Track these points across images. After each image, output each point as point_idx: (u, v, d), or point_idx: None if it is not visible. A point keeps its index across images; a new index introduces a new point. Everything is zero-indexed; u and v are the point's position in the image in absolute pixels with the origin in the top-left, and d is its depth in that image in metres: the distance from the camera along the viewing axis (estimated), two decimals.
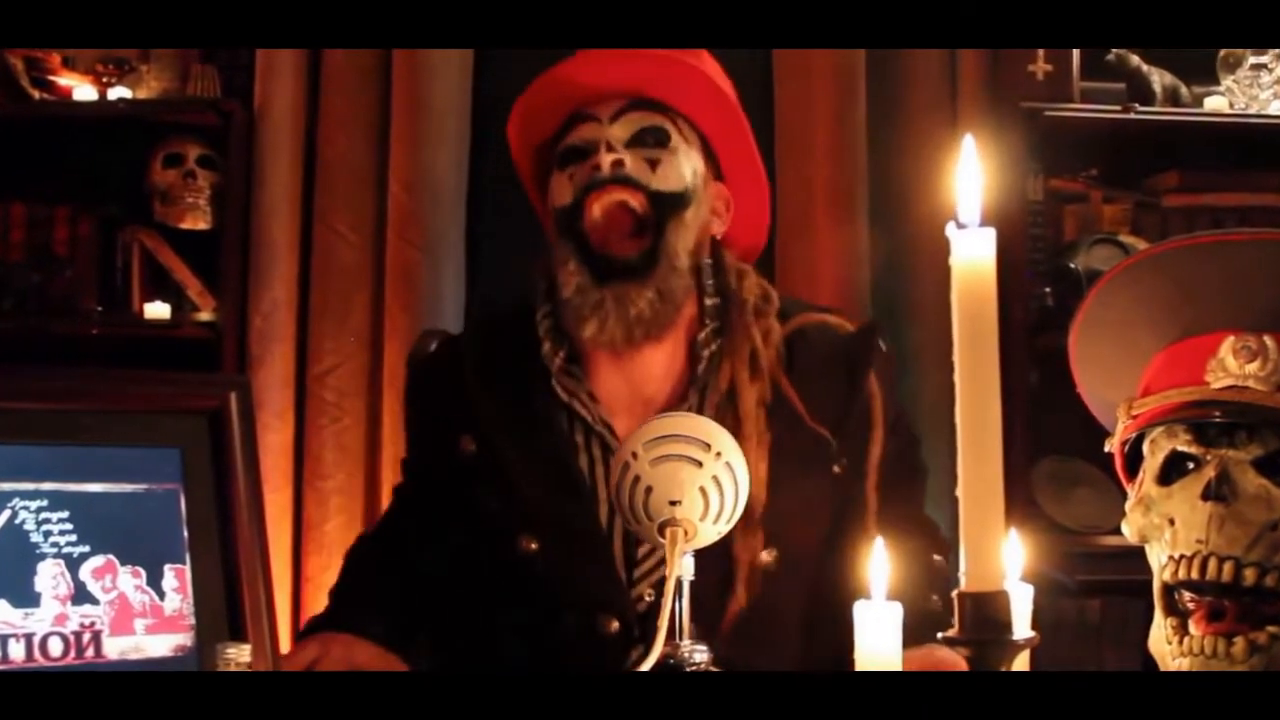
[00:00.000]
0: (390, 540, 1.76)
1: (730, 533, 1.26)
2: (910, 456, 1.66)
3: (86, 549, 1.58)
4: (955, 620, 0.78)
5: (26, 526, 1.55)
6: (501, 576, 1.59)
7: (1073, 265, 2.63)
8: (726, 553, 1.49)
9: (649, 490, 1.20)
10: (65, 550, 1.57)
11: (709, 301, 1.60)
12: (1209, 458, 1.18)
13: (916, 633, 1.11)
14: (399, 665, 1.59)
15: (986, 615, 0.77)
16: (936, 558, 1.59)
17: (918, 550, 1.52)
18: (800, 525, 1.56)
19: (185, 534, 1.65)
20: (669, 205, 1.55)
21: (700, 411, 1.55)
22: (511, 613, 1.58)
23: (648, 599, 1.52)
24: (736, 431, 1.43)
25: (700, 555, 1.22)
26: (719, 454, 1.21)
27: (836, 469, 1.57)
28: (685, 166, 1.58)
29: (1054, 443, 2.66)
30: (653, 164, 1.57)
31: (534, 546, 1.55)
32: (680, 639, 1.18)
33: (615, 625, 1.51)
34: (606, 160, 1.55)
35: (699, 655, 1.16)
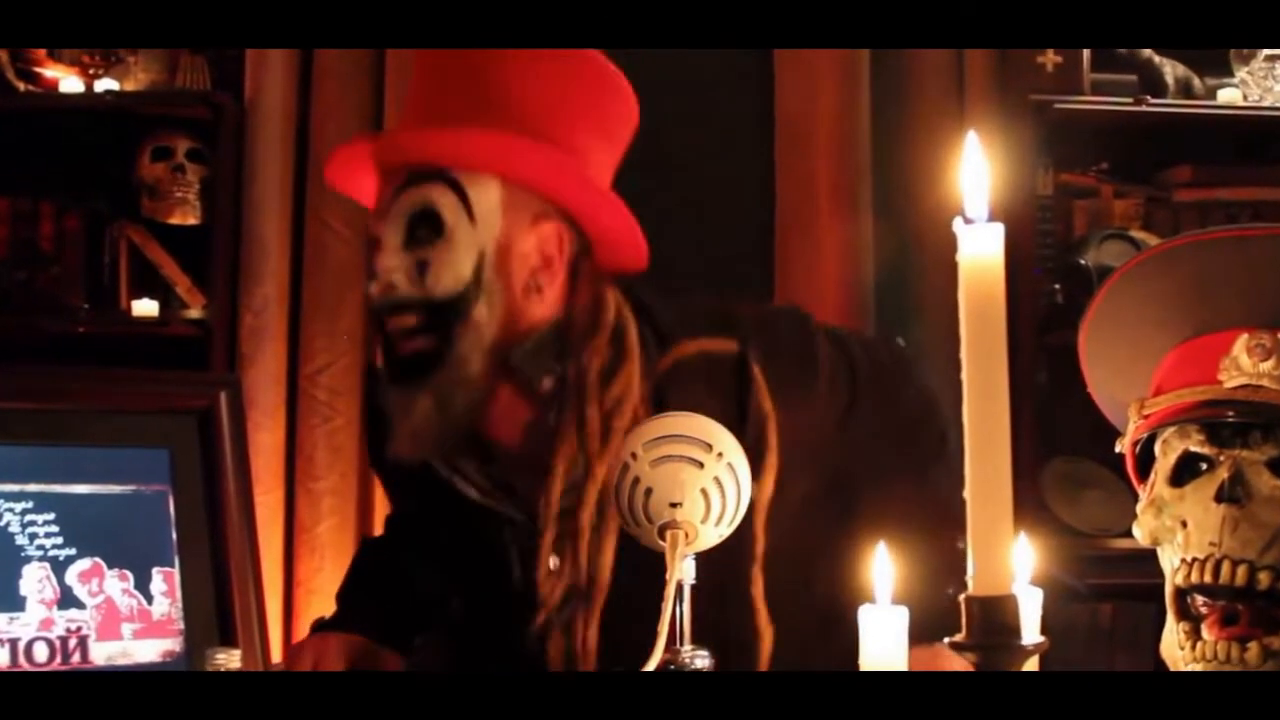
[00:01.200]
0: (391, 539, 1.79)
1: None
2: (913, 443, 1.61)
3: (73, 552, 1.58)
4: (963, 624, 0.78)
5: (11, 529, 1.55)
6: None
7: (1083, 261, 2.63)
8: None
9: (649, 492, 1.20)
10: (51, 553, 1.57)
11: (544, 385, 1.48)
12: (1222, 458, 1.18)
13: (925, 629, 1.09)
14: (397, 664, 1.60)
15: (995, 620, 0.77)
16: (960, 545, 1.56)
17: (930, 536, 1.48)
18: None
19: (174, 536, 1.65)
20: (448, 311, 1.43)
21: (552, 494, 1.46)
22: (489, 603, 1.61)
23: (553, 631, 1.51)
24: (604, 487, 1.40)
25: None
26: (720, 454, 1.21)
27: None
28: (463, 254, 1.44)
29: (1064, 443, 2.67)
30: (421, 267, 1.44)
31: (458, 607, 1.60)
32: (680, 644, 1.18)
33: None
34: (373, 289, 1.46)
35: (700, 661, 1.16)
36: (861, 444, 1.58)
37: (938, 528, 1.52)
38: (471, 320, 1.43)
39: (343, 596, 1.73)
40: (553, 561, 1.48)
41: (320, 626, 1.66)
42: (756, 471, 1.37)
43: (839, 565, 1.36)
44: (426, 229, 1.44)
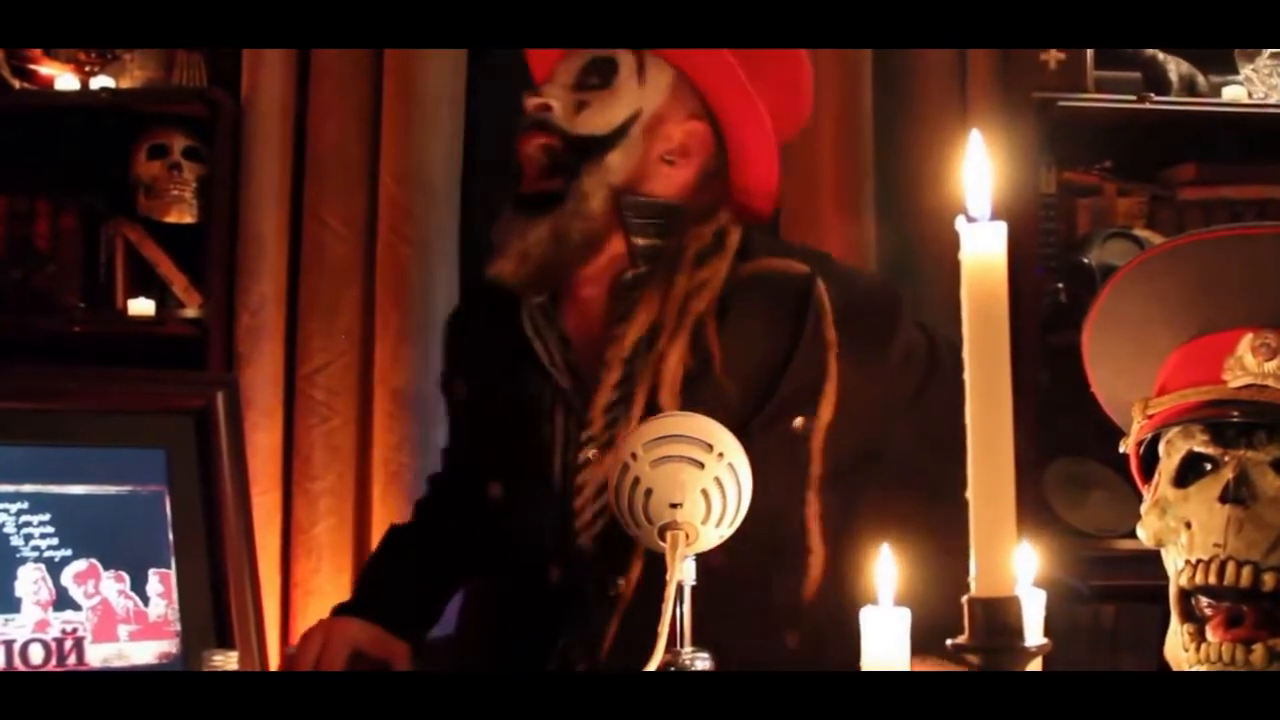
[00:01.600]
0: (414, 527, 1.85)
1: None
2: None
3: (68, 553, 1.58)
4: (966, 626, 0.78)
5: (6, 530, 1.55)
6: (475, 529, 1.68)
7: (1086, 260, 2.63)
8: None
9: (649, 493, 1.20)
10: (46, 554, 1.57)
11: (640, 242, 1.60)
12: (1227, 459, 1.18)
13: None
14: (402, 650, 1.62)
15: (997, 622, 0.77)
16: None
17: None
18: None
19: (170, 537, 1.65)
20: (587, 148, 1.58)
21: (619, 353, 1.57)
22: (479, 566, 1.69)
23: (588, 546, 1.57)
24: (655, 385, 1.52)
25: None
26: (721, 454, 1.21)
27: (796, 423, 1.55)
28: (620, 107, 1.59)
29: (1067, 444, 2.66)
30: (580, 105, 1.60)
31: (498, 493, 1.63)
32: (681, 645, 1.18)
33: (557, 574, 1.57)
34: (530, 103, 1.61)
35: (700, 663, 1.16)
36: (911, 440, 1.60)
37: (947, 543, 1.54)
38: (604, 163, 1.58)
39: (362, 581, 1.81)
40: (591, 453, 1.56)
41: (339, 611, 1.70)
42: (814, 395, 1.52)
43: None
44: (598, 77, 1.60)
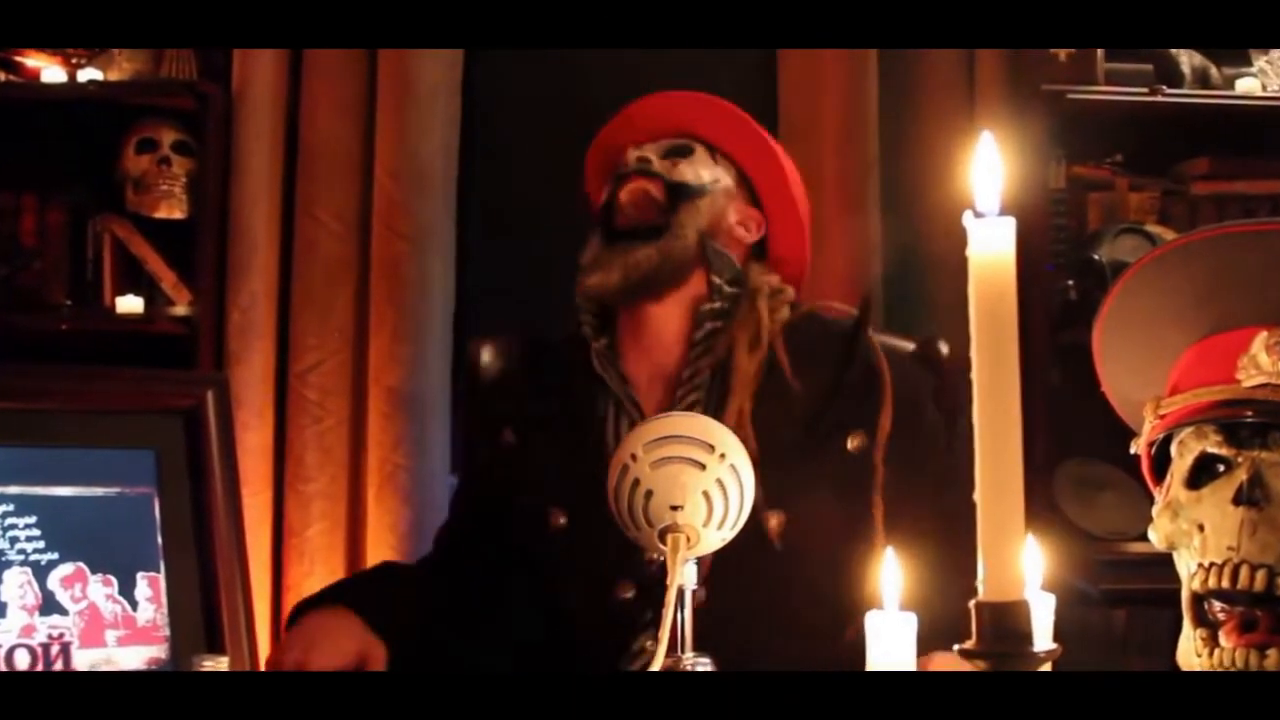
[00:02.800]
0: (434, 560, 1.96)
1: None
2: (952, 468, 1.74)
3: (55, 556, 1.58)
4: (973, 631, 0.78)
5: None
6: (528, 558, 1.79)
7: (1097, 257, 2.63)
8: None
9: (649, 494, 1.20)
10: (33, 558, 1.57)
11: (718, 280, 1.84)
12: (1240, 460, 1.18)
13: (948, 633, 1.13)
14: (379, 649, 1.61)
15: (1006, 626, 0.77)
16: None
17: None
18: (807, 493, 1.70)
19: (159, 540, 1.65)
20: (683, 192, 1.85)
21: (696, 375, 1.79)
22: (532, 589, 1.79)
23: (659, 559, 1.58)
24: (727, 392, 1.72)
25: None
26: (722, 456, 1.21)
27: (851, 444, 1.73)
28: (704, 171, 1.89)
29: (1077, 444, 2.66)
30: (674, 163, 1.88)
31: (563, 521, 1.74)
32: (682, 651, 1.18)
33: (631, 592, 1.67)
34: (633, 155, 1.89)
35: (701, 667, 1.16)
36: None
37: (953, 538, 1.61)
38: (696, 206, 1.85)
39: (349, 579, 1.82)
40: None
41: (307, 606, 1.71)
42: (871, 410, 1.74)
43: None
44: (680, 153, 1.90)
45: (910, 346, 1.89)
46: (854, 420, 1.75)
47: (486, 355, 2.02)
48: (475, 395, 2.03)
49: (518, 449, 1.86)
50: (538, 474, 1.81)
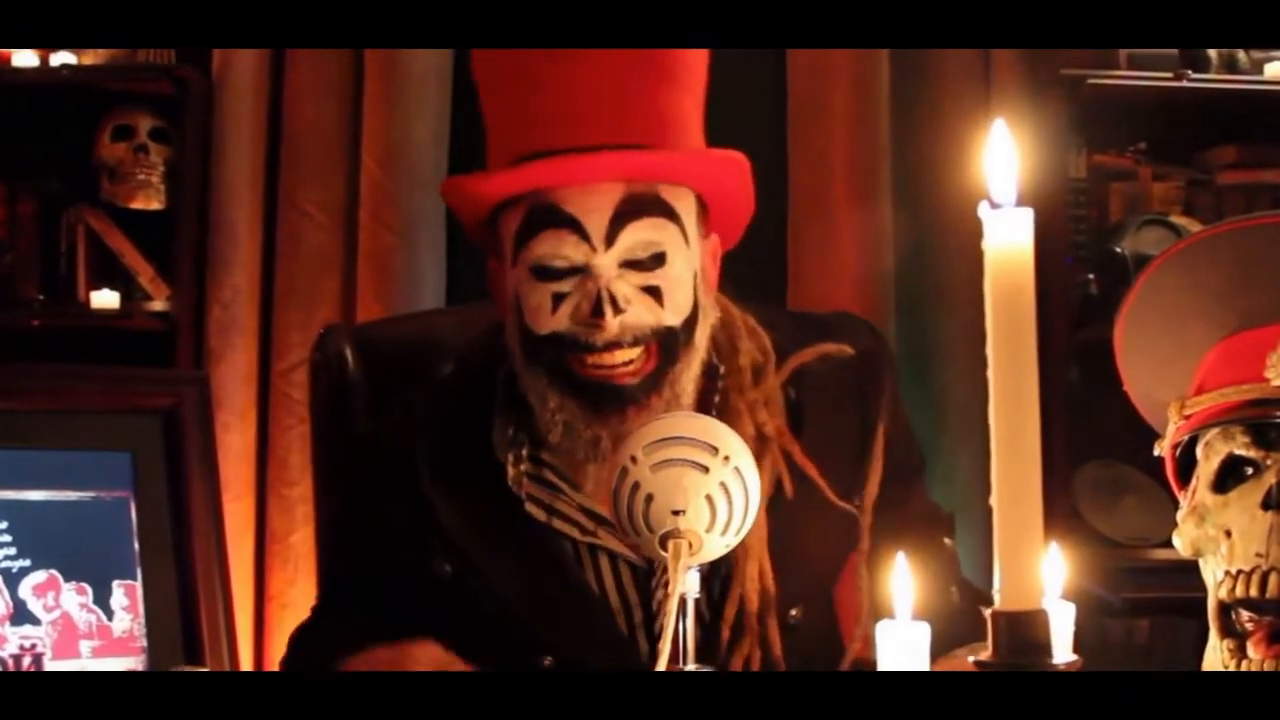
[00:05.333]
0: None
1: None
2: (907, 453, 1.68)
3: (26, 563, 1.58)
4: (989, 641, 0.78)
5: None
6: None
7: (1119, 249, 2.63)
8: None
9: (649, 498, 1.20)
10: (3, 565, 1.57)
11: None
12: (1269, 462, 1.18)
13: (943, 636, 1.13)
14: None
15: (1023, 636, 0.77)
16: (947, 541, 1.66)
17: (924, 540, 1.55)
18: (820, 579, 1.62)
19: (136, 547, 1.65)
20: (676, 338, 1.48)
21: None
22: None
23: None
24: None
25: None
26: (727, 458, 1.21)
27: (848, 506, 1.57)
28: (686, 277, 1.49)
29: (1098, 446, 2.67)
30: (654, 293, 1.47)
31: (548, 662, 1.52)
32: (684, 661, 1.18)
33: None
34: (612, 327, 1.44)
35: None
36: None
37: (926, 529, 1.62)
38: (693, 343, 1.49)
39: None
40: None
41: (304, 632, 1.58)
42: (863, 476, 1.56)
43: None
44: (650, 259, 1.47)
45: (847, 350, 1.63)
46: (906, 467, 1.62)
47: (376, 440, 1.62)
48: (368, 502, 1.59)
49: (457, 581, 1.53)
50: (499, 613, 1.52)
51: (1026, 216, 0.78)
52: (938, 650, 1.08)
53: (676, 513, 1.19)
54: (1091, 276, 2.69)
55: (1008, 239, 0.78)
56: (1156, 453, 1.29)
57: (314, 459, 1.84)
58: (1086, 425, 2.61)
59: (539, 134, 1.47)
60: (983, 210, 0.79)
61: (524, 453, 1.54)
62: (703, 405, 1.53)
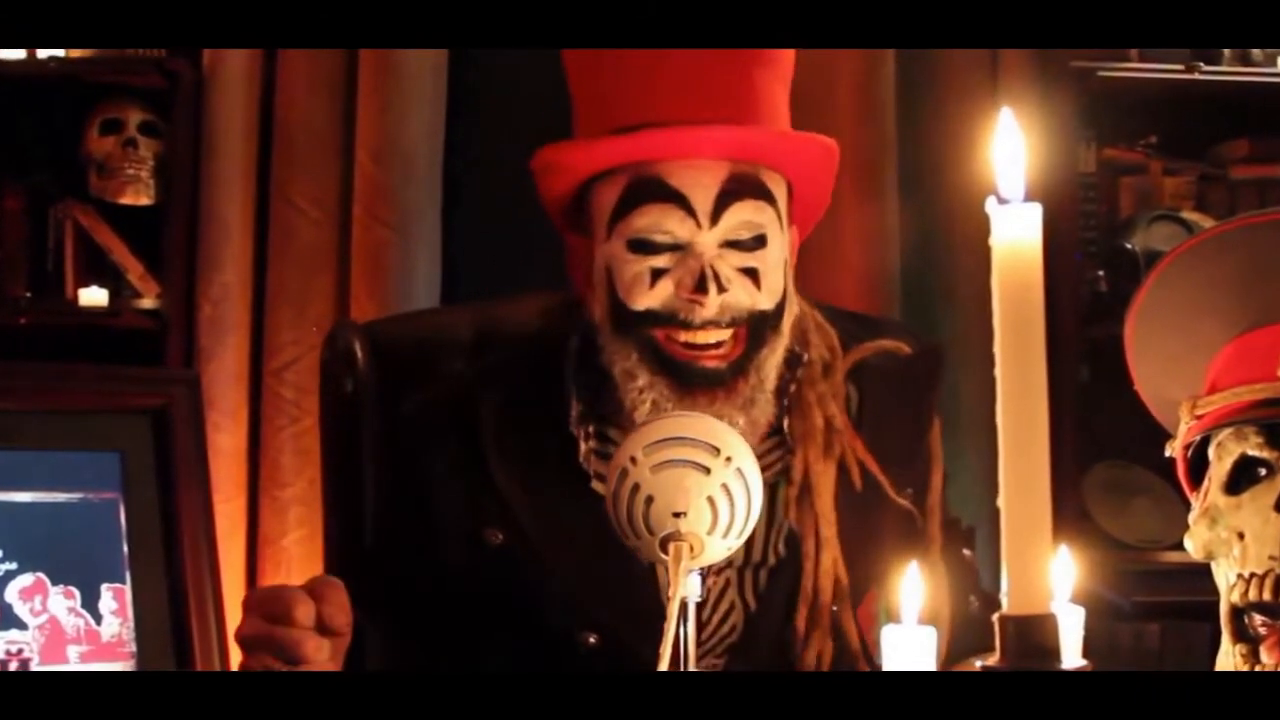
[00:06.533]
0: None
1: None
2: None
3: (13, 566, 1.58)
4: (997, 645, 0.78)
5: None
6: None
7: (1129, 245, 2.63)
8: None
9: (649, 500, 1.20)
10: None
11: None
12: None
13: (963, 645, 1.14)
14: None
15: (1032, 641, 0.77)
16: (966, 552, 1.67)
17: (945, 551, 1.58)
18: (879, 578, 1.59)
19: (125, 549, 1.65)
20: (766, 323, 1.51)
21: (775, 505, 1.55)
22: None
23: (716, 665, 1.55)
24: (816, 528, 1.52)
25: None
26: (729, 459, 1.21)
27: (904, 501, 1.58)
28: (780, 262, 1.53)
29: (1108, 446, 2.67)
30: (752, 275, 1.50)
31: (593, 640, 1.52)
32: (686, 665, 1.18)
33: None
34: (712, 305, 1.47)
35: None
36: None
37: (949, 540, 1.64)
38: (780, 330, 1.53)
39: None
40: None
41: None
42: (926, 474, 1.61)
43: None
44: (752, 240, 1.50)
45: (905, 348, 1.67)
46: (907, 477, 1.60)
47: (424, 409, 1.63)
48: (393, 436, 1.67)
49: (508, 550, 1.54)
50: (546, 587, 1.54)
51: (1035, 212, 0.78)
52: (958, 659, 1.08)
53: (677, 515, 1.19)
54: (1101, 273, 2.69)
55: (1016, 235, 0.78)
56: (1168, 453, 1.29)
57: (323, 456, 1.90)
58: (1096, 425, 2.61)
59: (643, 105, 1.49)
60: (990, 205, 0.79)
61: (592, 429, 1.56)
62: (782, 393, 1.56)
